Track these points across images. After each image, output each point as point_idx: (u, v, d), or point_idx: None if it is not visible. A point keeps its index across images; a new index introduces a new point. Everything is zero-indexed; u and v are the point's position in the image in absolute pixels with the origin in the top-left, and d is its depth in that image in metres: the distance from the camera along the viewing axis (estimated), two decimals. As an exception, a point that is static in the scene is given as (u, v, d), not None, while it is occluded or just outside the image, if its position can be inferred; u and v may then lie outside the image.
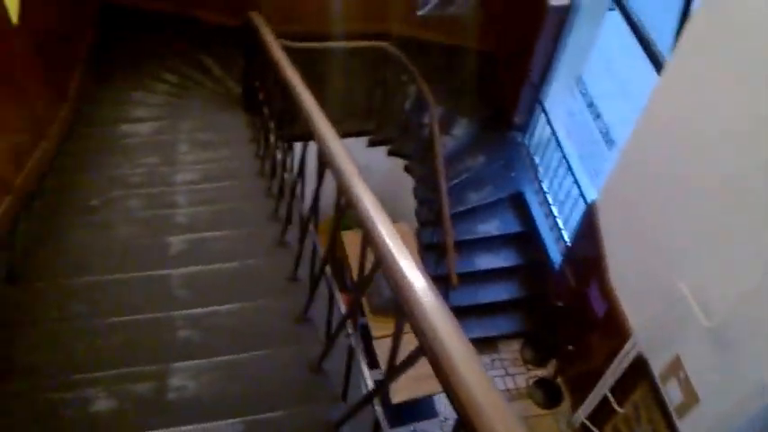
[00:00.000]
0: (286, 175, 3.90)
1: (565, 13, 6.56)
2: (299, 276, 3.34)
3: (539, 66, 7.06)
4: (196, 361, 2.75)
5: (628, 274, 5.49)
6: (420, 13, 7.59)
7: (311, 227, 3.24)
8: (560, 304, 6.55)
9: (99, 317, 3.10)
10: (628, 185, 5.50)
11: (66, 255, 3.61)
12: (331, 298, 2.83)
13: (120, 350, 2.89)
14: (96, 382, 2.65)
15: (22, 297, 3.24)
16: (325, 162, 2.52)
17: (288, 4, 7.41)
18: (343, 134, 2.60)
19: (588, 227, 6.11)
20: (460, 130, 7.70)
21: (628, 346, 5.27)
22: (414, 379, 6.23)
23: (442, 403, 6.56)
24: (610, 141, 6.19)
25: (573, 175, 6.58)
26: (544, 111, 7.08)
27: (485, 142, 7.69)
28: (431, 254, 7.03)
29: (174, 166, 4.79)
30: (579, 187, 6.48)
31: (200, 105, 6.31)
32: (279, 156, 4.16)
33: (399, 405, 5.92)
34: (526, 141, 7.60)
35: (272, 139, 4.51)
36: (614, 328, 5.51)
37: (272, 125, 4.60)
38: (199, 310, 3.09)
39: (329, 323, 2.81)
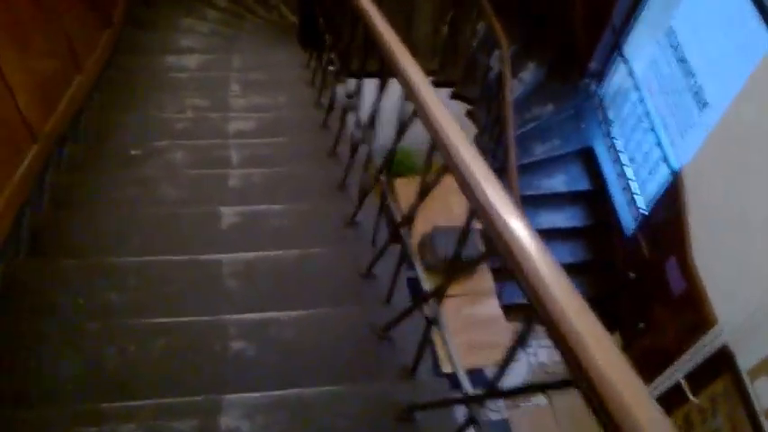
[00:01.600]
0: (356, 134, 3.17)
1: (663, -48, 5.65)
2: (375, 272, 2.67)
3: (622, 7, 6.17)
4: (253, 394, 2.11)
5: (717, 255, 4.81)
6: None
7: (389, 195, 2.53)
8: (632, 275, 5.88)
9: (134, 314, 2.47)
10: (725, 155, 4.76)
11: (99, 222, 2.95)
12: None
13: (159, 364, 2.26)
14: (130, 415, 2.03)
15: (43, 276, 2.62)
16: (416, 109, 1.96)
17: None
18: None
19: (671, 195, 5.39)
20: (528, 74, 6.85)
21: (711, 334, 4.65)
22: (468, 347, 5.74)
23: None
24: (702, 103, 5.36)
25: (656, 135, 5.79)
26: (625, 60, 6.22)
27: (554, 89, 6.85)
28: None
29: (224, 111, 4.09)
30: (662, 149, 5.70)
31: (253, 37, 5.56)
32: (347, 111, 3.43)
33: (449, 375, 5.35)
34: (600, 91, 6.76)
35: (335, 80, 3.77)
36: (693, 310, 4.88)
37: (334, 61, 3.90)
38: (254, 316, 2.44)
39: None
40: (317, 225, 3.03)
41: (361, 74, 3.10)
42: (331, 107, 3.79)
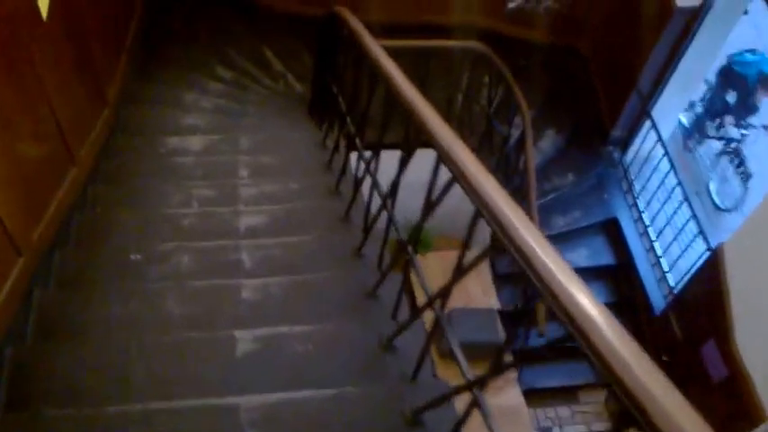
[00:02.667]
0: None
1: (693, 16, 5.32)
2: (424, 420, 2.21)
3: (651, 73, 5.83)
4: None
5: (765, 341, 4.39)
6: (511, 5, 6.37)
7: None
8: (664, 358, 5.42)
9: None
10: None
11: (94, 356, 2.49)
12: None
13: None
14: None
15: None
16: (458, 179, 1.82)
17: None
18: (422, 145, 2.16)
19: (708, 273, 4.98)
20: (546, 142, 6.50)
21: (761, 429, 4.22)
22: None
23: None
24: (745, 174, 4.99)
25: (690, 207, 5.39)
26: (655, 126, 5.85)
27: (574, 157, 6.49)
28: (508, 286, 5.95)
29: (233, 204, 3.66)
30: (697, 223, 5.30)
31: (260, 111, 5.19)
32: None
33: None
34: (624, 159, 6.38)
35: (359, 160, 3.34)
36: (736, 400, 4.46)
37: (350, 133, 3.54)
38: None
39: None
40: (348, 351, 2.57)
41: (379, 146, 2.86)
42: (354, 197, 3.37)
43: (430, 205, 2.15)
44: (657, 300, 5.64)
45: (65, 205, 3.27)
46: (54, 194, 3.15)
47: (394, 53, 5.54)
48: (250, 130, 4.76)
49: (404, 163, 2.47)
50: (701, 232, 5.21)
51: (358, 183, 3.27)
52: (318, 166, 4.16)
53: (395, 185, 2.60)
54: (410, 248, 2.34)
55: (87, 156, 3.72)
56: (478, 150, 6.25)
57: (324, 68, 4.86)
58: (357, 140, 3.33)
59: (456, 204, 2.07)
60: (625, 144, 6.35)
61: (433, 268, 5.77)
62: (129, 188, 3.81)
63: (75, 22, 3.61)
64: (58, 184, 3.26)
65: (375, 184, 2.89)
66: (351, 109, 3.69)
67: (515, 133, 5.94)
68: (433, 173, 2.05)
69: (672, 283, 5.56)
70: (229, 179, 3.96)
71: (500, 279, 6.01)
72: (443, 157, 1.91)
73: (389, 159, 2.70)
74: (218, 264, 3.11)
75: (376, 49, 3.09)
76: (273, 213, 3.55)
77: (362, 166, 3.10)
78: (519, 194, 5.65)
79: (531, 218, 5.21)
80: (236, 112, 5.14)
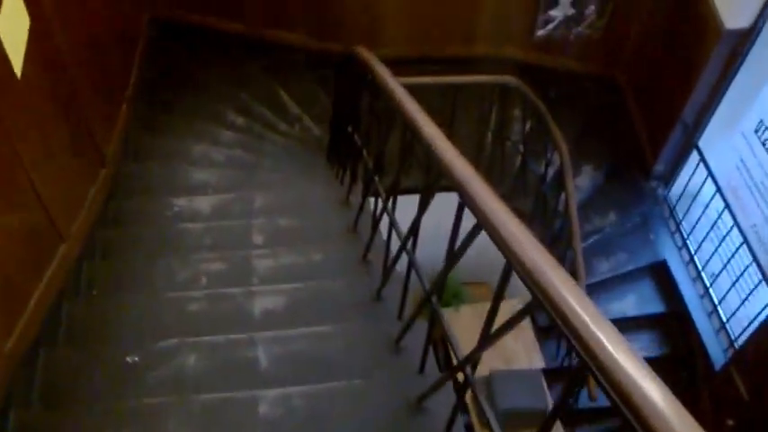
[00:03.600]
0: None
1: (742, 38, 4.79)
2: None
3: (696, 101, 5.29)
4: None
5: None
6: (540, 33, 5.87)
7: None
8: (729, 423, 4.84)
9: None
10: None
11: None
12: None
13: None
14: None
15: None
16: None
17: (377, 23, 5.79)
18: (441, 188, 2.05)
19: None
20: (584, 179, 5.96)
21: None
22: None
23: None
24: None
25: (749, 248, 4.82)
26: (703, 159, 5.29)
27: (615, 195, 5.94)
28: (551, 341, 5.41)
29: (247, 282, 3.14)
30: (760, 267, 4.73)
31: (276, 163, 4.71)
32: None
33: None
34: (669, 196, 5.83)
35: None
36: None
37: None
38: None
39: None
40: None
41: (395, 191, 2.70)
42: (386, 273, 2.86)
43: (453, 256, 1.97)
44: (717, 353, 5.05)
45: (52, 291, 2.79)
46: (35, 285, 2.66)
47: (419, 90, 5.15)
48: (265, 187, 4.27)
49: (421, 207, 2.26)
50: (765, 278, 4.64)
51: (393, 258, 2.76)
52: (343, 227, 3.65)
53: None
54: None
55: (81, 228, 3.25)
56: (512, 191, 5.76)
57: (342, 113, 4.41)
58: (386, 198, 2.87)
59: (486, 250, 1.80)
60: (669, 179, 5.80)
61: (469, 321, 5.29)
62: (130, 264, 3.33)
63: (60, 75, 3.15)
64: (43, 268, 2.78)
65: (412, 264, 2.41)
66: (376, 160, 3.23)
67: (551, 171, 5.44)
68: (455, 220, 1.92)
69: (733, 335, 4.97)
70: (242, 249, 3.46)
71: (542, 331, 5.46)
72: (468, 204, 1.74)
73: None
74: (229, 365, 2.61)
75: (397, 89, 2.82)
76: (294, 294, 3.04)
77: (394, 235, 2.63)
78: (561, 241, 5.14)
79: (578, 270, 4.70)
80: (250, 164, 4.66)
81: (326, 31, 5.85)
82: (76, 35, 3.41)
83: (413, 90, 4.93)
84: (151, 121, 4.83)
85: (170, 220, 3.78)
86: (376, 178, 3.12)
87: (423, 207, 2.25)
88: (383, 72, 3.19)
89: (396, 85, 2.88)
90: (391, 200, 2.77)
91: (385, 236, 2.85)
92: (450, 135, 5.15)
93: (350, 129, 3.92)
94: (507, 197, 5.76)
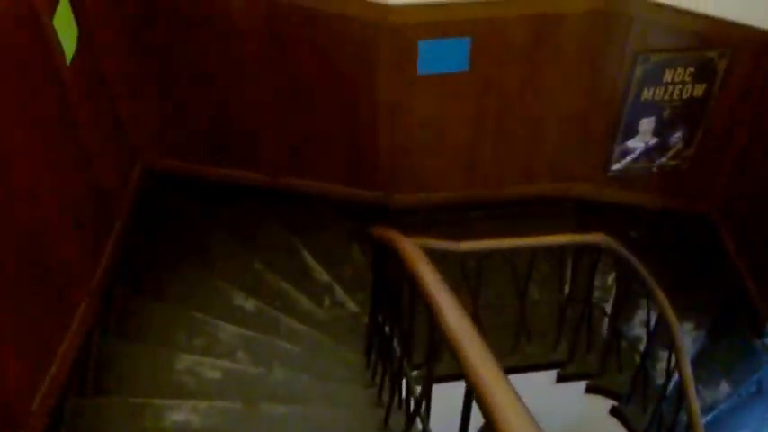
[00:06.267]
0: None
1: None
2: None
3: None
4: None
5: None
6: (616, 167, 4.74)
7: None
8: None
9: None
10: None
11: None
12: None
13: None
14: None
15: None
16: None
17: (421, 164, 4.65)
18: (516, 368, 2.00)
19: None
20: (685, 341, 4.73)
21: None
22: None
23: None
24: None
25: None
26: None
27: (722, 359, 4.71)
28: None
29: None
30: None
31: (292, 374, 3.45)
32: None
33: None
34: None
35: None
36: None
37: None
38: None
39: None
40: None
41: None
42: None
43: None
44: None
45: None
46: None
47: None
48: (276, 425, 2.97)
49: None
50: None
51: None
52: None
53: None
54: None
55: None
56: (602, 367, 4.53)
57: (379, 309, 3.33)
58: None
59: None
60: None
61: None
62: None
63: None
64: None
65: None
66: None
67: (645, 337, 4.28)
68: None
69: None
70: None
71: None
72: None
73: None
74: None
75: (431, 280, 2.24)
76: None
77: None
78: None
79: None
80: (254, 381, 3.34)
81: (359, 176, 4.69)
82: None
83: (478, 255, 3.81)
84: (126, 317, 3.56)
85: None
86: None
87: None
88: (416, 260, 2.46)
89: (428, 274, 2.27)
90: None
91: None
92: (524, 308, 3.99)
93: (387, 330, 3.22)
94: (597, 372, 4.55)
